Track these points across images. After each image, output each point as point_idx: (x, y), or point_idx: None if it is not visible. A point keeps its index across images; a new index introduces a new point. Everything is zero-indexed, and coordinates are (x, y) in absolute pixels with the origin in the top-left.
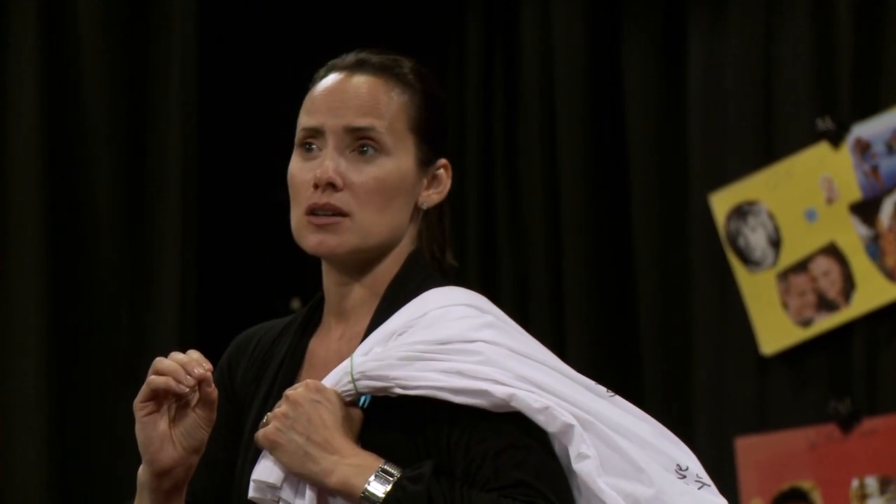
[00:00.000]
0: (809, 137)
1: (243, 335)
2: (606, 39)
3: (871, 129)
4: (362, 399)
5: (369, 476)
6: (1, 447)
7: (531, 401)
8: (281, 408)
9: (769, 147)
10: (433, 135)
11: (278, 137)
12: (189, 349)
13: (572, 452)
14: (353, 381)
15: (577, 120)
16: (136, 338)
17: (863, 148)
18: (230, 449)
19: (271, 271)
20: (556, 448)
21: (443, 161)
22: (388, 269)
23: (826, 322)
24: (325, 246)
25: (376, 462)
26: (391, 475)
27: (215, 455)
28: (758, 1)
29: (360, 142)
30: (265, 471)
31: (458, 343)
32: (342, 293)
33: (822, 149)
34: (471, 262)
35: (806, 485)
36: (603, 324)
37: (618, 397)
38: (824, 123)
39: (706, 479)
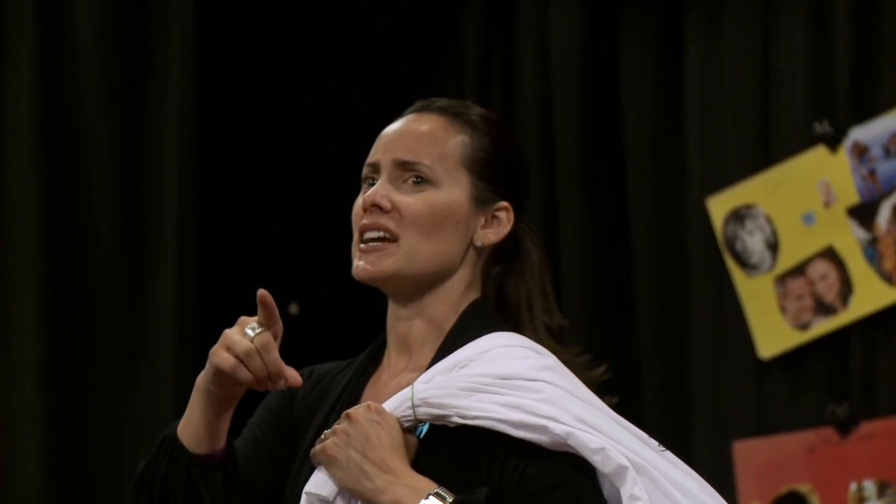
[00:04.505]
0: (807, 141)
1: (308, 368)
2: (604, 44)
3: (868, 132)
4: (419, 428)
5: (422, 498)
6: (0, 452)
7: (588, 441)
8: (341, 425)
9: (766, 151)
10: (493, 175)
11: (276, 141)
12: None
13: (624, 494)
14: (414, 406)
15: (575, 124)
16: (134, 342)
17: (860, 151)
18: (277, 456)
19: (269, 276)
20: (605, 491)
21: (504, 203)
22: (450, 307)
23: (824, 326)
24: (366, 272)
25: (430, 485)
26: (444, 499)
27: (270, 451)
28: (755, 5)
29: (410, 173)
30: (319, 484)
31: (519, 380)
32: (405, 329)
33: (819, 152)
34: None
35: (804, 488)
36: (601, 327)
37: (668, 452)
38: (822, 127)
39: None
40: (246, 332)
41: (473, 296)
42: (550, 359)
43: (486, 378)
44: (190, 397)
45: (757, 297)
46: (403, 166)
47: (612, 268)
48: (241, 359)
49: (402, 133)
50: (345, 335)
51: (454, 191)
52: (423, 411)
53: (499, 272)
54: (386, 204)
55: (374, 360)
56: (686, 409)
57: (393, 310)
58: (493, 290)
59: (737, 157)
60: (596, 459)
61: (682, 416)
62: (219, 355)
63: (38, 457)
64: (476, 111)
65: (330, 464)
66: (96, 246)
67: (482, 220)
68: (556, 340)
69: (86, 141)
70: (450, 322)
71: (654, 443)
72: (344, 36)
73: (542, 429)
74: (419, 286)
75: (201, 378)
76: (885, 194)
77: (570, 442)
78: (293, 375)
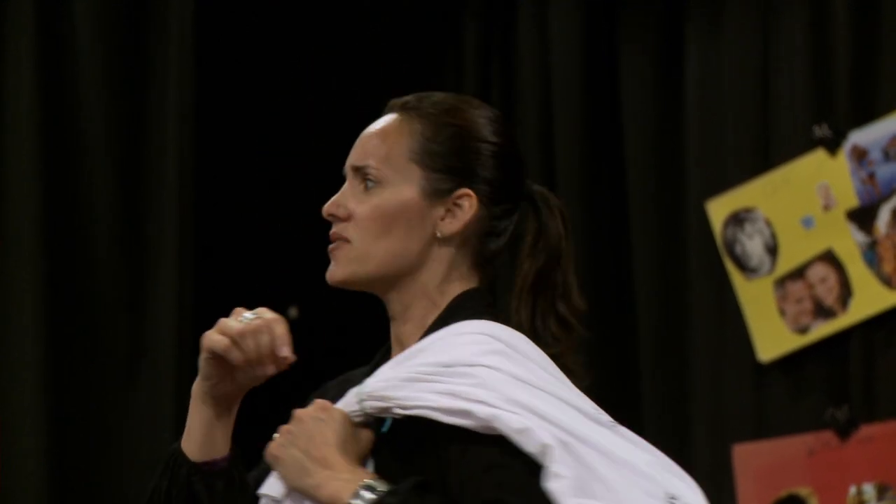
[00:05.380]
0: (806, 144)
1: (341, 377)
2: (604, 44)
3: (867, 135)
4: (385, 422)
5: (354, 490)
6: (1, 456)
7: (512, 422)
8: (288, 424)
9: (766, 154)
10: (447, 164)
11: (276, 141)
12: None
13: (548, 472)
14: (360, 401)
15: (575, 124)
16: (134, 344)
17: (859, 155)
18: None
19: (269, 277)
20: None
21: (463, 190)
22: (430, 302)
23: (823, 329)
24: (331, 276)
25: (365, 477)
26: (375, 490)
27: None
28: (755, 5)
29: (363, 178)
30: (271, 485)
31: (460, 367)
32: (396, 327)
33: (818, 156)
34: None
35: (803, 492)
36: (600, 331)
37: (621, 427)
38: (821, 130)
39: None
40: (241, 319)
41: (460, 287)
42: (501, 343)
43: (428, 367)
44: (190, 399)
45: (756, 300)
46: (357, 172)
47: (612, 268)
48: (235, 339)
49: (360, 139)
50: (345, 337)
51: (402, 188)
52: (368, 405)
53: (504, 255)
54: (341, 212)
55: (385, 358)
56: (686, 412)
57: (387, 309)
58: (489, 276)
59: (736, 160)
60: (520, 440)
61: (681, 419)
62: (211, 337)
63: (38, 457)
64: (432, 100)
65: (276, 464)
66: (96, 246)
67: (441, 210)
68: (563, 327)
69: (86, 141)
70: (433, 317)
71: (606, 418)
72: (344, 36)
73: (466, 413)
74: (388, 286)
75: (196, 382)
76: (885, 198)
77: (496, 424)
78: (283, 360)
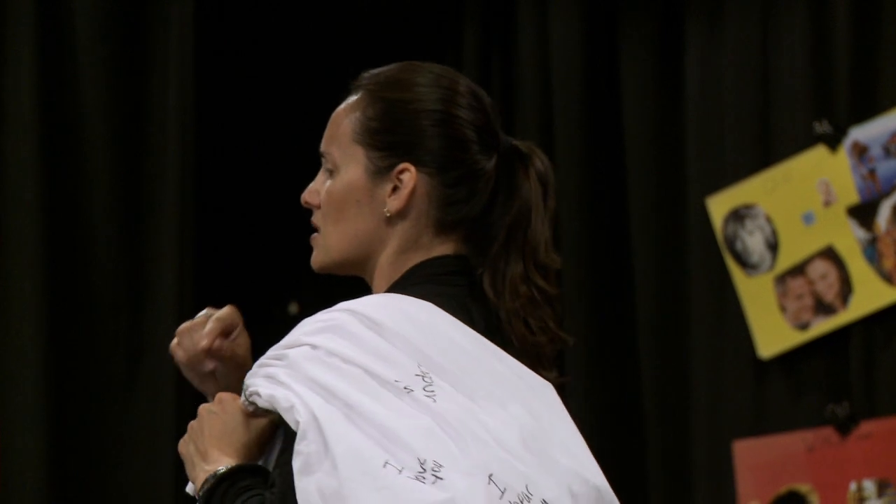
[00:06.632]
0: (807, 141)
1: None
2: (604, 46)
3: (868, 132)
4: None
5: (204, 479)
6: (0, 456)
7: (282, 400)
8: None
9: (766, 150)
10: (385, 140)
11: (276, 142)
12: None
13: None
14: (243, 390)
15: (575, 125)
16: (135, 345)
17: (860, 151)
18: None
19: (269, 277)
20: None
21: (402, 165)
22: (386, 282)
23: (824, 325)
24: (312, 264)
25: (220, 466)
26: (213, 476)
27: None
28: (755, 5)
29: (325, 164)
30: (190, 483)
31: (293, 347)
32: None
33: (819, 152)
34: None
35: (803, 488)
36: (600, 327)
37: (419, 394)
38: (821, 127)
39: (449, 474)
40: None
41: (417, 259)
42: (351, 316)
43: (274, 351)
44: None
45: (757, 296)
46: (322, 158)
47: (611, 267)
48: (179, 339)
49: None
50: None
51: (349, 171)
52: (247, 392)
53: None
54: (314, 199)
55: None
56: (686, 408)
57: None
58: (471, 239)
59: (736, 156)
60: (288, 418)
61: (681, 416)
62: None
63: (38, 457)
64: (377, 75)
65: (182, 459)
66: (96, 246)
67: (388, 188)
68: (525, 283)
69: (86, 141)
70: None
71: (406, 383)
72: (344, 37)
73: (256, 394)
74: (358, 269)
75: None
76: (885, 194)
77: (275, 404)
78: (215, 357)
